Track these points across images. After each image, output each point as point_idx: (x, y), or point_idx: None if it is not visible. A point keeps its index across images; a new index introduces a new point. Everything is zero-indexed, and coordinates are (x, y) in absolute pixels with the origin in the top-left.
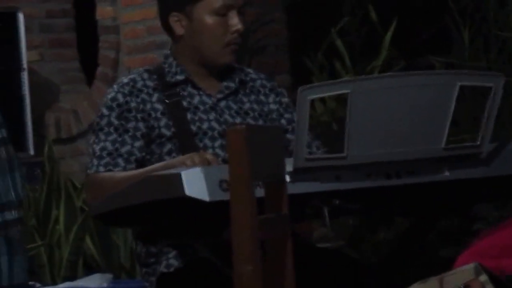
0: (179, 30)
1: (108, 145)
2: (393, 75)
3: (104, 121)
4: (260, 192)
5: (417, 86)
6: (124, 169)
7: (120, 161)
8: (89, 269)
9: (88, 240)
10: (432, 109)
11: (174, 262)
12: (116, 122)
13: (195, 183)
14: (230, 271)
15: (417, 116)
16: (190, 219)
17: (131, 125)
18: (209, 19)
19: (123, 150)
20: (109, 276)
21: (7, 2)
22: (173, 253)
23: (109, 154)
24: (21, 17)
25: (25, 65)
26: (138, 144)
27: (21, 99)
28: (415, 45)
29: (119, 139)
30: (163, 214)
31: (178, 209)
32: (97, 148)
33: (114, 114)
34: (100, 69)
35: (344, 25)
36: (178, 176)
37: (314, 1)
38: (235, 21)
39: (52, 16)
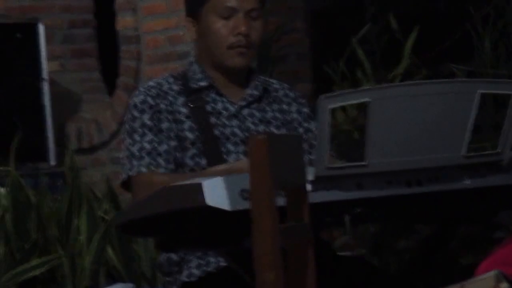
0: (193, 34)
1: (146, 145)
2: (414, 83)
3: (137, 123)
4: (281, 200)
5: (437, 94)
6: (166, 169)
7: (160, 160)
8: (111, 279)
9: (109, 249)
10: (453, 117)
11: (196, 272)
12: (149, 123)
13: (216, 192)
14: (252, 280)
15: (437, 124)
16: (211, 228)
17: (164, 125)
18: (213, 21)
19: (161, 149)
20: (130, 285)
21: (28, 13)
22: (195, 263)
23: (148, 153)
24: (41, 28)
25: (45, 76)
26: (173, 144)
27: (42, 109)
28: (436, 53)
29: (156, 139)
30: (184, 224)
31: (199, 218)
32: (134, 149)
33: (146, 116)
34: (121, 79)
35: (365, 34)
36: (199, 186)
37: (335, 9)
38: (238, 24)
39: (73, 26)
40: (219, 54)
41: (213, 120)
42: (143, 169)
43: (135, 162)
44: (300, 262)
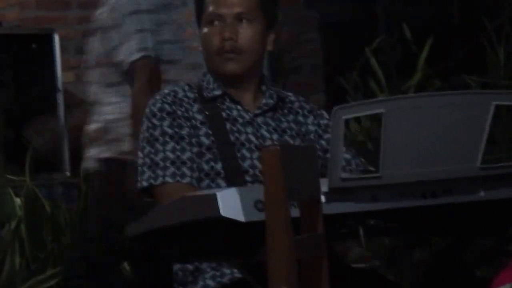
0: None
1: (169, 154)
2: (428, 94)
3: (157, 131)
4: (295, 212)
5: (452, 105)
6: (191, 178)
7: (185, 170)
8: None
9: None
10: (468, 128)
11: (211, 283)
12: (170, 130)
13: (230, 204)
14: None
15: (452, 136)
16: (225, 240)
17: (185, 132)
18: (204, 30)
19: (185, 157)
20: None
21: (43, 24)
22: (209, 274)
23: (173, 163)
24: (56, 38)
25: (60, 86)
26: (195, 150)
27: (57, 120)
28: (450, 64)
29: (178, 146)
30: (198, 235)
31: (214, 229)
32: (157, 158)
33: (166, 123)
34: None
35: (379, 45)
36: (214, 197)
37: (348, 21)
38: (221, 29)
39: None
40: (210, 61)
41: (228, 126)
42: (169, 180)
43: (159, 172)
44: (314, 274)
